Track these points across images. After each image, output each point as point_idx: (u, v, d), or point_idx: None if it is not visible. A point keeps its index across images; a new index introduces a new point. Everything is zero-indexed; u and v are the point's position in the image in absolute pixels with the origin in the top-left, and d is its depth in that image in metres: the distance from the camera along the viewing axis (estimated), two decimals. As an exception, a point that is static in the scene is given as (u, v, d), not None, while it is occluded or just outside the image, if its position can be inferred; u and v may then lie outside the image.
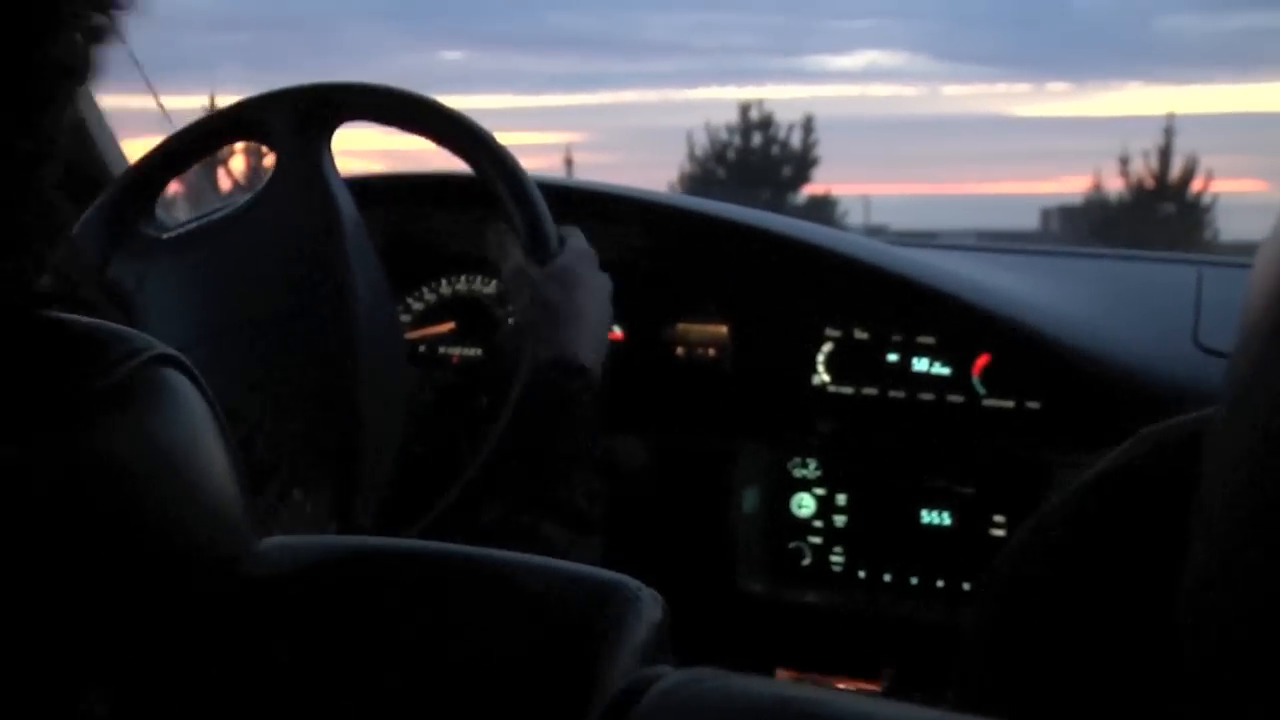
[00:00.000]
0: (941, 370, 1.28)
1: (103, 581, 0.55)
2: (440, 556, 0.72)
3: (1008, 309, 1.27)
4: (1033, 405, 1.24)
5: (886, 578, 1.30)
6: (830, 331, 1.32)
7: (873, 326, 1.30)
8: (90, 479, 0.55)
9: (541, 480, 1.04)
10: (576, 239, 1.15)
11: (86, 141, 1.44)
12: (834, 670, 1.30)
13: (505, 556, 0.72)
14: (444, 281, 1.42)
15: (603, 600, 0.67)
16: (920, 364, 1.28)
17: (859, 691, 1.27)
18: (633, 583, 0.69)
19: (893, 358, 1.29)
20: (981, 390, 1.26)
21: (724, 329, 1.36)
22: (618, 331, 1.37)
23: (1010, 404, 1.25)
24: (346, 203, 1.18)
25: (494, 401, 1.12)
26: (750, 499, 1.35)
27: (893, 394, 1.30)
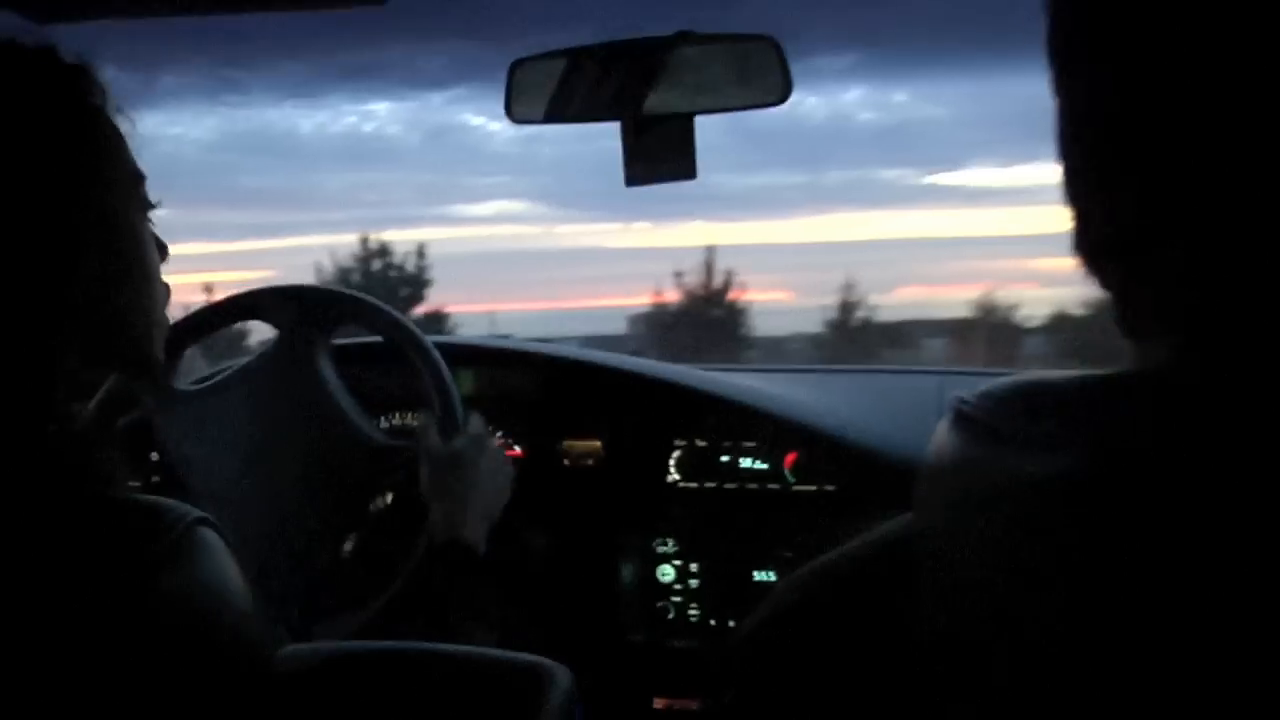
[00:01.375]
0: (761, 466, 1.55)
1: (170, 691, 0.65)
2: (411, 655, 0.84)
3: (807, 417, 1.55)
4: (830, 489, 1.52)
5: (731, 624, 1.56)
6: (678, 442, 1.59)
7: (709, 436, 1.58)
8: (156, 617, 0.64)
9: (436, 623, 1.14)
10: (476, 424, 1.33)
11: None
12: (695, 695, 1.55)
13: (456, 650, 0.87)
14: (381, 419, 1.63)
15: (529, 680, 0.82)
16: (745, 462, 1.56)
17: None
18: (548, 662, 0.84)
19: (725, 459, 1.57)
20: (792, 479, 1.53)
21: (598, 444, 1.61)
22: (518, 450, 1.62)
23: (814, 489, 1.52)
24: (331, 376, 1.38)
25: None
26: (628, 571, 1.59)
27: (727, 486, 1.57)
